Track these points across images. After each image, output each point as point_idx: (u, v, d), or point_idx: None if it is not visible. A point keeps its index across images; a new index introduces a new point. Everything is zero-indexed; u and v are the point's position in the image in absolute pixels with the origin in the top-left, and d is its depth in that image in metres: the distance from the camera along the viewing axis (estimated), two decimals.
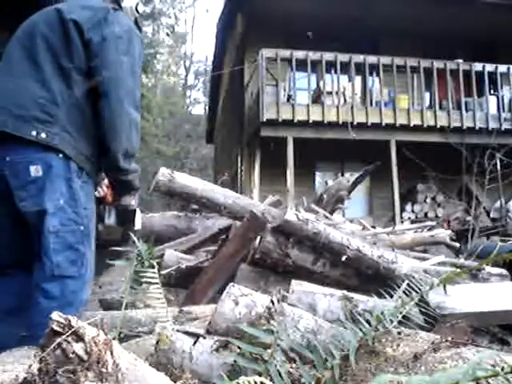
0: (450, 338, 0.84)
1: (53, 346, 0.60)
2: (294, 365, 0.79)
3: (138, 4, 1.63)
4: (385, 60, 7.01)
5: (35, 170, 1.29)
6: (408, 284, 1.03)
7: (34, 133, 1.29)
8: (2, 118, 1.30)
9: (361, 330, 0.86)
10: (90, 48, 1.36)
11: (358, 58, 6.91)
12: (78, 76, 1.36)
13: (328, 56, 6.83)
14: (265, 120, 6.63)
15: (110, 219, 1.53)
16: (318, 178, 8.49)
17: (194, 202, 1.66)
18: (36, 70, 1.34)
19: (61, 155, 1.33)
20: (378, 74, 7.08)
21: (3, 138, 1.30)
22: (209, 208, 1.82)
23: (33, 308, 1.31)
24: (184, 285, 1.60)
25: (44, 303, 1.29)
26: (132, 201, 1.47)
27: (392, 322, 0.89)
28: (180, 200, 1.70)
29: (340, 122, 6.73)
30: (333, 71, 6.96)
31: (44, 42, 1.36)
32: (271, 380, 0.72)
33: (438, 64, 7.11)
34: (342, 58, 6.84)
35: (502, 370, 0.58)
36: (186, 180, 1.54)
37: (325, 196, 3.09)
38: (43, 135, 1.30)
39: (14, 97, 1.33)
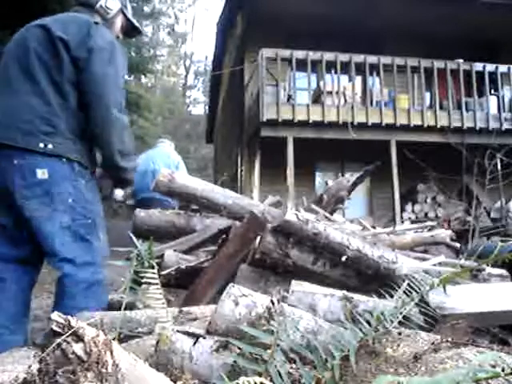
0: (450, 339, 0.83)
1: (52, 346, 0.60)
2: (294, 365, 0.79)
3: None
4: (385, 60, 7.01)
5: (42, 174, 1.45)
6: (408, 284, 1.03)
7: (41, 145, 1.46)
8: (12, 135, 1.46)
9: (361, 330, 0.86)
10: (77, 63, 1.51)
11: (359, 57, 6.91)
12: (70, 87, 1.52)
13: (328, 56, 6.82)
14: (265, 120, 6.62)
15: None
16: (318, 178, 8.49)
17: (194, 202, 1.66)
18: (34, 86, 1.50)
19: (64, 159, 1.49)
20: (378, 74, 7.07)
21: (13, 148, 1.46)
22: (209, 208, 1.82)
23: (65, 297, 1.46)
24: (184, 285, 1.60)
25: (74, 289, 1.46)
26: (120, 194, 1.69)
27: (392, 322, 0.89)
28: (180, 200, 1.69)
29: (340, 121, 6.72)
30: (333, 71, 6.96)
31: (37, 59, 1.51)
32: (271, 380, 0.72)
33: (438, 64, 7.11)
34: (342, 57, 6.84)
35: (503, 370, 0.58)
36: (185, 180, 1.54)
37: (325, 196, 3.09)
38: (50, 146, 1.46)
39: (20, 114, 1.48)
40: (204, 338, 0.85)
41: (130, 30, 1.86)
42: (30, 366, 0.62)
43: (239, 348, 0.79)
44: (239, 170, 8.86)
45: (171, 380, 0.72)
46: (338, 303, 1.04)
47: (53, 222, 1.46)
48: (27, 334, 1.56)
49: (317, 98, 7.12)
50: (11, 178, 1.44)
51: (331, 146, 7.16)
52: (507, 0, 7.33)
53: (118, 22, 1.78)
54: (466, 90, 7.14)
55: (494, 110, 7.36)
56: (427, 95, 7.62)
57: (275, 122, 6.70)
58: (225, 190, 1.69)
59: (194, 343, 0.84)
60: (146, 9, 10.98)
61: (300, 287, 1.12)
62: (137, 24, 1.87)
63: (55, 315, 0.64)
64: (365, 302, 1.04)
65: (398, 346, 0.85)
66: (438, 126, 7.03)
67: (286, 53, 6.79)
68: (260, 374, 0.74)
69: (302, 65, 6.75)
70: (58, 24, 1.55)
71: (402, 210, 7.40)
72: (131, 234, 1.08)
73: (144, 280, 0.96)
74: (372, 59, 6.97)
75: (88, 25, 1.56)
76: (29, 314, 1.61)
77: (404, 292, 1.02)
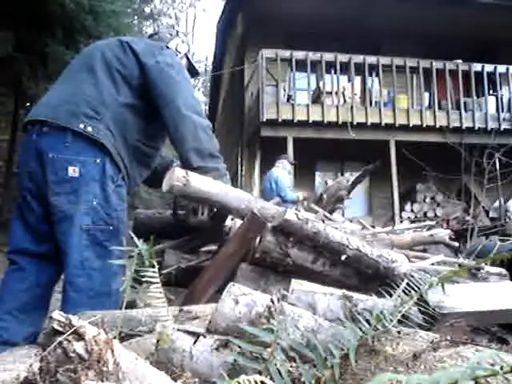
0: (449, 337, 0.84)
1: (53, 345, 0.60)
2: (293, 364, 0.79)
3: (177, 44, 1.87)
4: (384, 60, 7.02)
5: (73, 171, 1.44)
6: (407, 283, 1.03)
7: (81, 126, 1.46)
8: (56, 114, 1.48)
9: (360, 329, 0.86)
10: (145, 71, 1.57)
11: (358, 58, 6.92)
12: (125, 87, 1.57)
13: (328, 56, 6.84)
14: (265, 120, 6.63)
15: (203, 216, 1.75)
16: (318, 177, 8.50)
17: (207, 205, 1.63)
18: (91, 76, 1.55)
19: (98, 160, 1.48)
20: (377, 75, 7.09)
21: (54, 129, 1.47)
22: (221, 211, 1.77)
23: (65, 301, 1.43)
24: (184, 284, 1.60)
25: (74, 296, 1.42)
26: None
27: (391, 321, 0.89)
28: (192, 203, 1.66)
29: (340, 122, 6.74)
30: (332, 71, 6.98)
31: (101, 55, 1.59)
32: (271, 379, 0.73)
33: (437, 64, 7.13)
34: (342, 58, 6.85)
35: (501, 369, 0.58)
36: (201, 184, 1.50)
37: (325, 196, 3.09)
38: (89, 129, 1.47)
39: (70, 97, 1.52)
40: (204, 336, 0.86)
41: (190, 72, 1.95)
42: (31, 365, 0.62)
43: (239, 347, 0.80)
44: (239, 170, 8.86)
45: (172, 378, 0.72)
46: (337, 302, 1.04)
47: (73, 221, 1.44)
48: (39, 328, 1.51)
49: (316, 98, 7.13)
50: (45, 171, 1.45)
51: (331, 146, 7.17)
52: (505, 1, 7.34)
53: (183, 64, 1.89)
54: (464, 90, 7.16)
55: (492, 110, 7.38)
56: (426, 95, 7.64)
57: (275, 122, 6.71)
58: (238, 191, 1.67)
59: (195, 342, 0.84)
60: (147, 9, 10.98)
61: (300, 286, 1.12)
62: (197, 68, 2.02)
63: (56, 314, 0.65)
64: (364, 300, 1.05)
65: (398, 344, 0.85)
66: (437, 126, 7.05)
67: (285, 53, 6.80)
68: (260, 373, 0.74)
69: (301, 65, 6.77)
70: (129, 38, 1.69)
71: (401, 209, 7.42)
72: (132, 234, 1.08)
73: (144, 279, 0.96)
74: (371, 60, 6.98)
75: (160, 46, 1.70)
76: (46, 310, 1.58)
77: (403, 291, 1.02)
